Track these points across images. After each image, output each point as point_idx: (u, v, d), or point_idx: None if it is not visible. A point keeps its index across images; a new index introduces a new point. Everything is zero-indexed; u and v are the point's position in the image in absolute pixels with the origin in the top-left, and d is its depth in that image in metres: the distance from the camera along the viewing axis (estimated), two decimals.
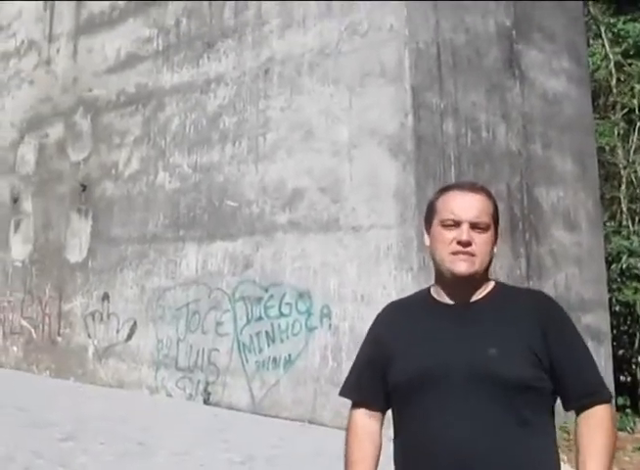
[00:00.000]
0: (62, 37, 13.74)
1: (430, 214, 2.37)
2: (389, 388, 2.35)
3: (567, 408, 2.25)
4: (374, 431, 2.42)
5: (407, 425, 2.31)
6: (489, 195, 2.36)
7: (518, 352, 2.17)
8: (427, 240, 2.39)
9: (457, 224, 2.26)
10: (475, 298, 2.31)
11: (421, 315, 2.38)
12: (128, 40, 12.20)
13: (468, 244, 2.24)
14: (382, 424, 2.45)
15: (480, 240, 2.27)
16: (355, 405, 2.47)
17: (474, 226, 2.26)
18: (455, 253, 2.25)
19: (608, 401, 2.22)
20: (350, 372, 2.53)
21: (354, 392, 2.48)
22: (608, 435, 2.17)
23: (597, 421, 2.18)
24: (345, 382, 2.53)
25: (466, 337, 2.21)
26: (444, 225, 2.29)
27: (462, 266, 2.25)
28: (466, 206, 2.28)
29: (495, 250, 2.35)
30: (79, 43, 13.32)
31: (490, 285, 2.37)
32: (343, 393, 2.52)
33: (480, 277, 2.31)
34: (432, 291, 2.40)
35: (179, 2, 11.31)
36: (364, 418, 2.43)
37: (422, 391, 2.23)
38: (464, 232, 2.24)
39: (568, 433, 6.84)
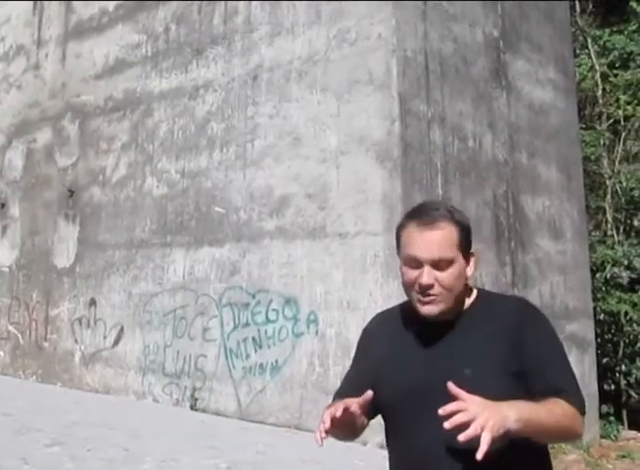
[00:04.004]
0: (50, 42, 13.74)
1: (397, 245, 2.33)
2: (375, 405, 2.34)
3: None
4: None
5: (391, 442, 2.36)
6: (452, 219, 2.26)
7: (493, 371, 2.12)
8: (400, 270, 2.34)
9: (418, 264, 2.20)
10: (456, 314, 2.28)
11: (402, 331, 2.37)
12: (117, 46, 12.22)
13: (429, 287, 2.19)
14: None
15: (443, 277, 2.20)
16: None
17: (435, 265, 2.20)
18: (419, 292, 2.22)
19: (576, 404, 2.11)
20: (341, 383, 2.55)
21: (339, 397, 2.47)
22: (563, 412, 2.05)
23: (557, 401, 2.07)
24: (336, 392, 2.53)
25: (443, 356, 2.21)
26: (407, 264, 2.24)
27: (427, 309, 2.22)
28: (424, 244, 2.20)
29: (469, 272, 2.29)
30: (68, 48, 13.32)
31: (472, 297, 2.34)
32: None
33: (455, 303, 2.26)
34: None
35: (168, 8, 11.34)
36: None
37: (400, 410, 2.26)
38: (424, 275, 2.19)
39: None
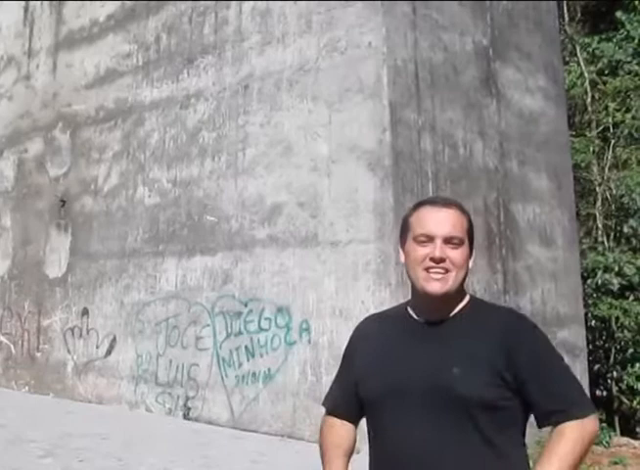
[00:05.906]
0: (41, 53, 13.74)
1: (404, 231, 2.35)
2: (362, 403, 2.39)
3: (539, 426, 2.21)
4: (349, 428, 2.47)
5: (375, 440, 2.36)
6: (463, 210, 2.33)
7: (482, 372, 2.15)
8: (402, 257, 2.36)
9: (430, 240, 2.24)
10: (448, 315, 2.30)
11: (393, 332, 2.39)
12: (108, 56, 12.22)
13: (441, 260, 2.22)
14: (355, 431, 2.49)
15: (454, 255, 2.24)
16: (329, 414, 2.53)
17: (447, 241, 2.23)
18: (428, 269, 2.24)
19: (580, 417, 2.15)
20: (331, 387, 2.57)
21: (330, 402, 2.54)
22: (572, 444, 2.11)
23: (563, 433, 2.13)
24: (327, 393, 2.58)
25: (432, 355, 2.23)
26: (418, 242, 2.26)
27: (435, 286, 2.23)
28: (439, 221, 2.25)
29: (470, 264, 2.33)
30: (59, 59, 13.32)
31: (464, 301, 2.35)
32: (324, 402, 2.58)
33: (455, 292, 2.28)
34: (408, 306, 2.40)
35: (159, 18, 11.36)
36: (338, 421, 2.48)
37: (386, 408, 2.27)
38: (437, 248, 2.22)
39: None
